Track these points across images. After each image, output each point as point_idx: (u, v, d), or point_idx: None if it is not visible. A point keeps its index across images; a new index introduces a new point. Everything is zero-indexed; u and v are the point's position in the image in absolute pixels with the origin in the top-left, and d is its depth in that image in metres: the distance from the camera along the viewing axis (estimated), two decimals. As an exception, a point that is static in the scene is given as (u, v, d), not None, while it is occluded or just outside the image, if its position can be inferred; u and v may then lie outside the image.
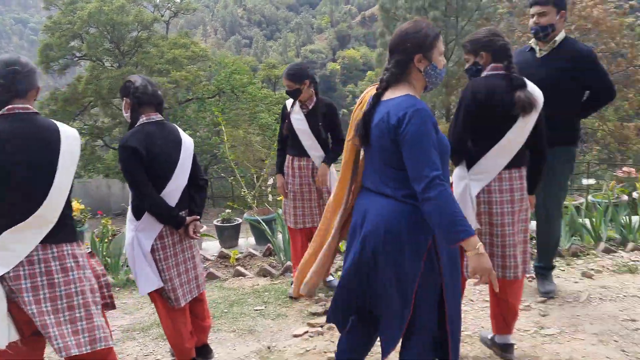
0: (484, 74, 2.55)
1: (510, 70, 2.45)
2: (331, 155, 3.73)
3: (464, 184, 2.52)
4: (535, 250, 3.72)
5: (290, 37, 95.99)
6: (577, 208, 4.74)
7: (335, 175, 3.83)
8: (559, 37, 3.16)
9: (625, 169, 6.46)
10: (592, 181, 10.75)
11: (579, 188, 11.43)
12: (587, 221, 4.59)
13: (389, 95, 1.97)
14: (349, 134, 2.12)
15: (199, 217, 2.68)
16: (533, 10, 3.13)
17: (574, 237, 4.51)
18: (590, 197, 5.58)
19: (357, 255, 2.00)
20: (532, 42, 3.25)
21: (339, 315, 2.18)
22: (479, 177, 2.51)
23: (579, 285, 3.67)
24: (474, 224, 2.50)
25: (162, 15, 24.19)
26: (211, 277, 4.33)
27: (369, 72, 57.37)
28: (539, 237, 3.58)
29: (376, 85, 2.05)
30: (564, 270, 3.95)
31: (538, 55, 3.19)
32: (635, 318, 3.11)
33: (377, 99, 2.00)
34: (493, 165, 2.49)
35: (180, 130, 2.70)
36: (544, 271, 3.57)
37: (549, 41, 3.16)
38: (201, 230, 2.79)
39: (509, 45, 2.49)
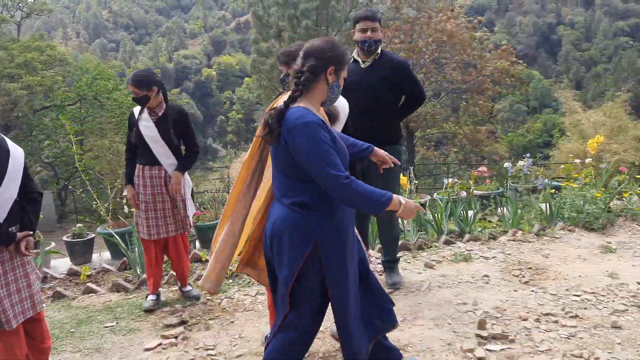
0: None
1: None
2: (185, 162, 3.67)
3: None
4: (380, 246, 3.98)
5: (162, 42, 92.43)
6: (423, 205, 5.14)
7: (190, 182, 3.77)
8: (379, 50, 3.51)
9: (480, 168, 7.14)
10: (453, 180, 11.67)
11: (441, 187, 12.38)
12: (431, 216, 5.01)
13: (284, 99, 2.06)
14: (258, 131, 2.16)
15: (31, 232, 2.50)
16: (365, 25, 3.40)
17: (420, 232, 4.89)
18: (435, 195, 6.09)
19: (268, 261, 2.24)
20: (355, 53, 3.53)
21: None
22: None
23: (422, 275, 3.99)
24: None
25: (12, 16, 22.05)
26: (58, 296, 4.04)
27: (246, 79, 57.15)
28: (380, 233, 3.83)
29: (284, 95, 2.15)
30: (410, 263, 4.27)
31: (363, 66, 3.48)
32: (467, 301, 3.45)
33: (292, 101, 2.04)
34: None
35: (7, 139, 2.48)
36: (390, 264, 3.83)
37: (374, 53, 3.46)
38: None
39: None
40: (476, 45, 17.52)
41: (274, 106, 2.16)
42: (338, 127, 2.64)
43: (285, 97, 2.13)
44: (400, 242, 4.57)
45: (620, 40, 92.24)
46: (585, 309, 3.27)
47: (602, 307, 3.28)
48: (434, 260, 4.26)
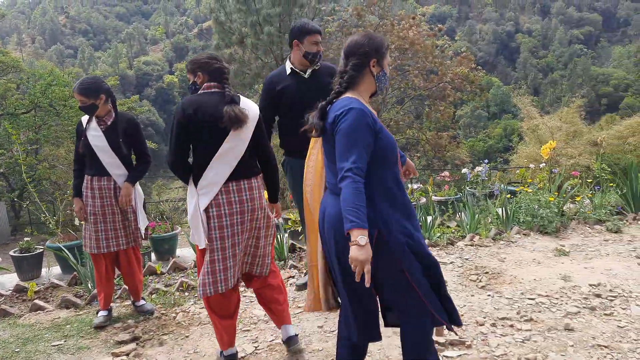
0: (200, 91, 2.70)
1: (225, 89, 2.66)
2: (135, 173, 3.55)
3: (194, 201, 2.62)
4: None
5: (122, 48, 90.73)
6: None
7: (141, 193, 3.66)
8: None
9: (443, 173, 7.21)
10: (416, 186, 11.78)
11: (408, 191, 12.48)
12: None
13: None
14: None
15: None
16: (316, 38, 3.43)
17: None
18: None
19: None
20: (290, 65, 3.53)
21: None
22: (205, 191, 2.60)
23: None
24: (202, 241, 2.60)
25: (-39, 20, 21.16)
26: (3, 314, 3.84)
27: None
28: None
29: None
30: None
31: (306, 76, 3.50)
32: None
33: (336, 96, 2.09)
34: (216, 177, 2.60)
35: None
36: None
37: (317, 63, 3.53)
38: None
39: (226, 68, 2.72)
40: (438, 52, 17.80)
41: None
42: (247, 132, 2.64)
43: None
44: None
45: (575, 48, 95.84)
46: (539, 312, 3.30)
47: (555, 310, 3.33)
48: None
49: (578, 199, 5.47)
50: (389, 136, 2.09)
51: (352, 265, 1.86)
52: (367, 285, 1.86)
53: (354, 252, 1.84)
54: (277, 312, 2.90)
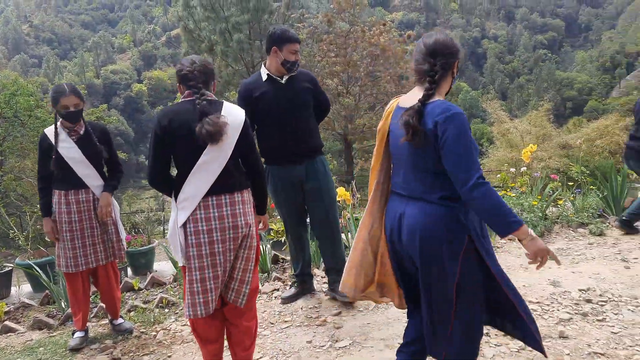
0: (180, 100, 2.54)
1: (195, 97, 2.43)
2: (112, 182, 3.40)
3: (174, 216, 2.46)
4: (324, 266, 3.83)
5: (88, 57, 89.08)
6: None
7: (116, 204, 3.48)
8: None
9: None
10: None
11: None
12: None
13: (416, 98, 2.03)
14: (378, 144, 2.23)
15: None
16: (295, 47, 3.35)
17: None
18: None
19: (399, 261, 2.18)
20: (266, 71, 3.43)
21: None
22: (183, 206, 2.43)
23: (369, 293, 3.87)
24: (181, 258, 2.44)
25: None
26: (-31, 339, 3.60)
27: (178, 94, 55.81)
28: (322, 250, 3.69)
29: (400, 97, 2.17)
30: (356, 281, 4.14)
31: (283, 81, 3.41)
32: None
33: (428, 98, 2.01)
34: (195, 191, 2.42)
35: None
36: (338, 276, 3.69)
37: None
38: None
39: (193, 72, 2.46)
40: (408, 58, 17.93)
41: (392, 108, 2.18)
42: (229, 142, 2.43)
43: (401, 98, 2.17)
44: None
45: (540, 53, 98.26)
46: (532, 319, 3.25)
47: (547, 317, 3.28)
48: (380, 277, 4.16)
49: (560, 202, 5.49)
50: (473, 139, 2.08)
51: (536, 259, 1.94)
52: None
53: (533, 245, 1.92)
54: (239, 357, 2.64)
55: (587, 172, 6.26)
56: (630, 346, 2.86)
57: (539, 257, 1.95)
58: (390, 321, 3.37)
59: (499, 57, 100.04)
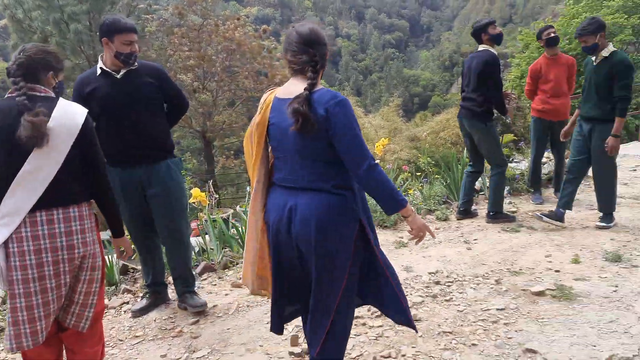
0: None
1: (20, 93, 2.10)
2: None
3: None
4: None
5: None
6: (226, 220, 4.88)
7: None
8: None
9: None
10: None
11: (244, 197, 12.27)
12: (235, 231, 4.76)
13: (297, 88, 2.00)
14: (251, 138, 2.15)
15: None
16: (130, 37, 3.04)
17: (224, 249, 4.61)
18: (238, 207, 5.89)
19: (289, 253, 2.12)
20: (101, 64, 3.13)
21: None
22: (5, 222, 2.07)
23: (229, 297, 3.72)
24: (1, 283, 2.11)
25: None
26: None
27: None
28: (168, 259, 3.47)
29: (275, 90, 2.14)
30: (215, 285, 3.96)
31: (118, 76, 3.12)
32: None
33: (313, 87, 1.99)
34: (18, 205, 2.07)
35: None
36: (189, 289, 3.49)
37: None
38: None
39: (16, 61, 2.14)
40: (266, 54, 17.91)
41: (269, 102, 2.11)
42: (59, 148, 2.10)
43: (278, 90, 2.13)
44: (203, 263, 4.26)
45: (389, 52, 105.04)
46: (388, 306, 3.36)
47: (402, 302, 3.41)
48: (239, 279, 4.03)
49: (410, 192, 5.81)
50: None
51: (418, 234, 2.09)
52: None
53: (416, 221, 2.07)
54: None
55: (433, 162, 6.73)
56: (474, 322, 3.08)
57: (421, 232, 2.09)
58: (251, 324, 3.26)
59: (353, 55, 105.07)
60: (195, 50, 16.15)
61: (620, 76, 4.17)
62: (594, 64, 4.38)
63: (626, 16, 16.80)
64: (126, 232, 2.65)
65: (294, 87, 2.05)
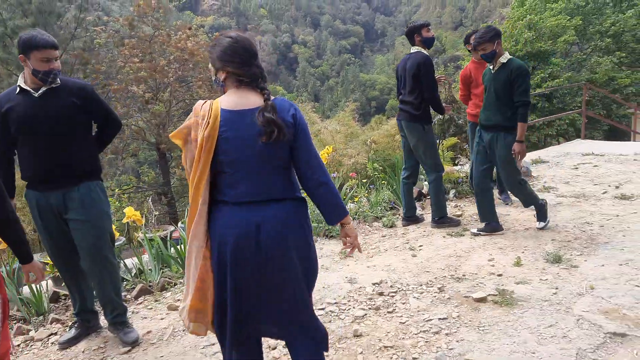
0: None
1: None
2: None
3: None
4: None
5: None
6: (164, 239, 4.68)
7: None
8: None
9: None
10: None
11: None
12: (174, 250, 4.54)
13: (250, 100, 1.97)
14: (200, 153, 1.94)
15: None
16: (49, 54, 2.85)
17: (162, 270, 4.40)
18: (180, 223, 5.69)
19: (254, 272, 1.98)
20: (21, 82, 2.94)
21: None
22: None
23: (165, 321, 3.53)
24: None
25: None
26: None
27: None
28: (94, 286, 3.25)
29: (214, 102, 2.00)
30: (151, 309, 3.77)
31: (36, 95, 2.92)
32: (214, 341, 3.12)
33: (270, 97, 1.99)
34: None
35: None
36: (119, 319, 3.28)
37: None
38: None
39: None
40: (220, 63, 17.65)
41: (215, 113, 1.96)
42: None
43: (221, 102, 1.98)
44: (140, 285, 4.06)
45: (345, 57, 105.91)
46: (330, 322, 3.25)
47: (344, 317, 3.31)
48: (179, 300, 3.85)
49: (357, 199, 5.74)
50: None
51: (354, 242, 2.15)
52: (361, 252, 2.28)
53: (355, 230, 2.15)
54: None
55: (381, 168, 6.68)
56: (416, 334, 3.00)
57: (355, 240, 2.15)
58: (186, 350, 3.09)
59: (309, 61, 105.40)
60: (147, 61, 15.78)
61: (519, 82, 4.24)
62: (492, 71, 4.44)
63: (569, 18, 17.41)
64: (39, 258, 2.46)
65: (245, 99, 1.98)
